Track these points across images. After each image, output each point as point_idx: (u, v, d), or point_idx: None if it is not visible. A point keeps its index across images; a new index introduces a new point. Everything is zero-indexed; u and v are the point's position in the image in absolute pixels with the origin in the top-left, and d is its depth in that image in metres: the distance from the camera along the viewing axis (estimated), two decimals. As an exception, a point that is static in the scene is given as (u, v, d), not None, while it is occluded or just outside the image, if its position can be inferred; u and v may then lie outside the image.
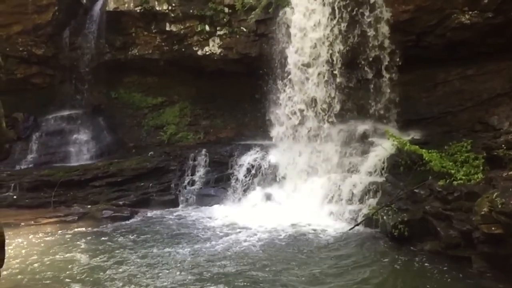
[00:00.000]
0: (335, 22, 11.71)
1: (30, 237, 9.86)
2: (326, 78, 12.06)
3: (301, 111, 12.50)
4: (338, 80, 12.02)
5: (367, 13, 11.47)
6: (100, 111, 16.39)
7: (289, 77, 12.69)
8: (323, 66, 12.11)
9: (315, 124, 12.15)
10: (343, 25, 11.70)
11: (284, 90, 12.87)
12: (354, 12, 11.50)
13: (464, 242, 7.78)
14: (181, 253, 8.53)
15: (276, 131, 13.20)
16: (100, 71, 15.67)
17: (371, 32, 11.60)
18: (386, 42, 11.59)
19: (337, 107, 12.01)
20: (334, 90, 12.01)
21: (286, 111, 12.72)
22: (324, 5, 11.64)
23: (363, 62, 11.83)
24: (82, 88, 16.01)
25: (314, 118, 12.16)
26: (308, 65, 12.28)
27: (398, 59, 11.66)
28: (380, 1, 11.32)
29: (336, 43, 11.79)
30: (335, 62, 11.93)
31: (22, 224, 10.85)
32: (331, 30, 11.73)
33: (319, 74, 12.10)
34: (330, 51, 11.87)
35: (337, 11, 11.62)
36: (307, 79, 12.29)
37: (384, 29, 11.45)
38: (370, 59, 11.64)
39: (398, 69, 11.67)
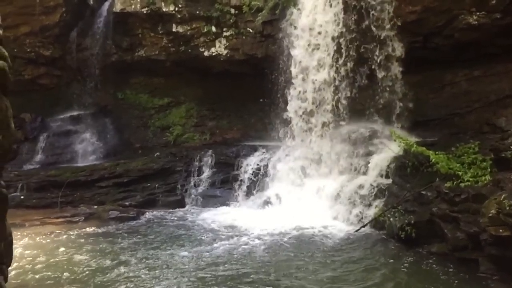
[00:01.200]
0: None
1: (36, 237, 9.89)
2: (333, 79, 12.01)
3: (308, 112, 12.45)
4: (345, 80, 11.98)
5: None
6: (106, 112, 16.46)
7: (295, 78, 12.66)
8: (330, 65, 12.07)
9: (322, 124, 12.10)
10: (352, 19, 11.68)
11: (290, 91, 12.83)
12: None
13: (471, 244, 7.71)
14: (185, 255, 8.48)
15: (282, 132, 13.18)
16: (107, 72, 15.75)
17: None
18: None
19: (344, 108, 11.97)
20: (341, 90, 11.96)
21: (293, 112, 12.66)
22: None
23: (371, 62, 11.78)
24: (89, 89, 16.09)
25: (321, 119, 12.11)
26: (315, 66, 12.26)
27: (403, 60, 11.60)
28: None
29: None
30: (343, 61, 11.90)
31: (29, 224, 10.86)
32: (338, 25, 11.72)
33: (326, 75, 12.06)
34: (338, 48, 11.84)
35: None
36: (315, 80, 12.25)
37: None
38: (379, 61, 11.58)
39: (405, 70, 11.60)
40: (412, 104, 11.79)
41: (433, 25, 11.34)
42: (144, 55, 15.84)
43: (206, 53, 14.98)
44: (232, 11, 14.33)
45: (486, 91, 11.43)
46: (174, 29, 15.11)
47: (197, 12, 14.64)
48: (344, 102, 11.90)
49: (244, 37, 14.49)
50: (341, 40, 11.69)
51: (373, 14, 11.44)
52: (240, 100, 15.37)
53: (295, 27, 12.47)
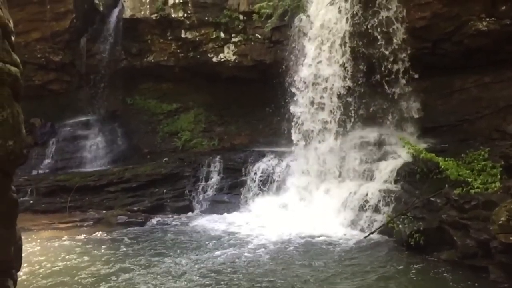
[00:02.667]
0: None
1: (45, 242, 9.95)
2: (342, 85, 11.97)
3: (316, 118, 12.40)
4: (353, 87, 11.94)
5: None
6: (115, 117, 16.56)
7: (303, 83, 12.63)
8: (339, 72, 12.04)
9: (331, 130, 12.07)
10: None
11: (299, 97, 12.80)
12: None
13: (481, 252, 7.64)
14: (189, 263, 8.43)
15: (290, 138, 13.13)
16: (116, 78, 15.85)
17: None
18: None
19: (353, 114, 11.93)
20: (350, 96, 11.93)
21: (301, 118, 12.62)
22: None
23: (380, 68, 11.73)
24: (98, 95, 16.20)
25: (330, 125, 12.07)
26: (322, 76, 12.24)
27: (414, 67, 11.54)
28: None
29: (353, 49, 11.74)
30: (352, 67, 11.86)
31: (38, 229, 10.95)
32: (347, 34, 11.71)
33: (334, 82, 12.03)
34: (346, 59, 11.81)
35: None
36: (323, 88, 12.22)
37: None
38: (387, 67, 11.53)
39: (414, 76, 11.54)
40: (421, 110, 11.72)
41: (442, 31, 11.29)
42: (153, 60, 15.94)
43: (214, 59, 15.04)
44: (241, 17, 14.37)
45: (496, 98, 11.35)
46: (183, 35, 15.19)
47: (206, 18, 14.70)
48: (352, 108, 11.85)
49: (252, 43, 14.52)
50: (350, 45, 11.63)
51: (381, 17, 11.38)
52: (249, 105, 15.38)
53: (304, 33, 12.48)
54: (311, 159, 12.21)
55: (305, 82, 12.31)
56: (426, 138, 11.57)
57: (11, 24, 3.33)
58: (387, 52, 11.38)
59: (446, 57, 11.69)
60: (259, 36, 14.25)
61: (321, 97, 12.12)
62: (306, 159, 12.30)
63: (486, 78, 11.69)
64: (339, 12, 11.56)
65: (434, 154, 9.78)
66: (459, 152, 9.94)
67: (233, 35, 14.72)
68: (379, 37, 11.30)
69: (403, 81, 11.60)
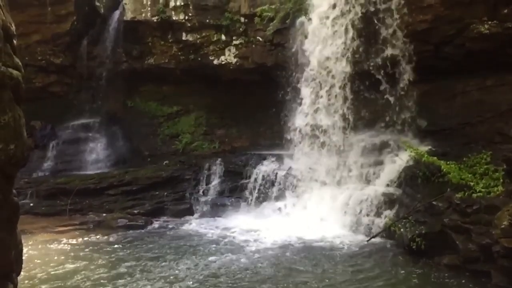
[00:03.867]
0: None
1: (44, 245, 9.92)
2: (343, 88, 11.95)
3: (318, 121, 12.38)
4: (355, 90, 11.92)
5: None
6: (116, 120, 16.53)
7: (304, 87, 12.62)
8: (339, 75, 12.03)
9: (332, 134, 12.05)
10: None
11: (300, 100, 12.79)
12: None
13: (483, 256, 7.61)
14: (189, 267, 8.37)
15: (291, 141, 13.11)
16: (117, 80, 15.83)
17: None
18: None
19: (354, 118, 11.91)
20: (351, 101, 11.91)
21: (302, 122, 12.60)
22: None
23: (381, 71, 11.72)
24: (98, 97, 16.18)
25: (331, 128, 12.05)
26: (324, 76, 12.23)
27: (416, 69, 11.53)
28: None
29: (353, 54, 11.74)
30: (353, 70, 11.84)
31: (38, 232, 10.90)
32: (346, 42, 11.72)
33: (335, 84, 12.02)
34: (347, 62, 11.82)
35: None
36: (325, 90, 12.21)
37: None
38: (388, 69, 11.51)
39: (416, 79, 11.53)
40: (423, 114, 11.69)
41: (444, 34, 11.27)
42: (154, 63, 15.93)
43: (215, 62, 15.03)
44: (242, 19, 14.36)
45: (498, 101, 11.30)
46: (184, 38, 15.19)
47: (207, 20, 14.70)
48: (354, 111, 11.83)
49: (253, 46, 14.51)
50: (351, 48, 11.63)
51: (382, 21, 11.37)
52: (249, 108, 15.36)
53: (306, 36, 12.47)
54: (312, 163, 12.18)
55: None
56: (428, 141, 11.52)
57: (13, 28, 3.31)
58: (389, 54, 11.36)
59: (448, 60, 11.67)
60: (260, 39, 14.23)
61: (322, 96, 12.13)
62: (307, 163, 12.26)
63: (488, 81, 11.65)
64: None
65: (436, 157, 9.75)
66: (461, 156, 9.91)
67: (234, 38, 14.71)
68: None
69: (405, 84, 11.58)
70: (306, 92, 12.45)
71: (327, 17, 12.08)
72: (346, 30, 11.76)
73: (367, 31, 11.59)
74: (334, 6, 11.97)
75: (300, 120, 12.46)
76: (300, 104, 12.58)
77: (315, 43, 12.27)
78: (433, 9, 10.97)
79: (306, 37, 12.40)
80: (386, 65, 11.49)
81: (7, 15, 3.35)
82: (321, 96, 12.12)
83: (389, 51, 11.39)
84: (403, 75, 11.56)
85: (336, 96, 11.88)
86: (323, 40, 12.08)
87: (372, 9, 11.47)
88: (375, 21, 11.44)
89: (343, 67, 11.81)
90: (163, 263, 8.63)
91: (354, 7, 11.65)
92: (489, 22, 10.64)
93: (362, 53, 11.66)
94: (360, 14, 11.55)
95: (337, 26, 11.98)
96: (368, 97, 12.01)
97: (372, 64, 11.56)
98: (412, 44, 11.25)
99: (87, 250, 9.65)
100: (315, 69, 12.27)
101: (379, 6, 11.39)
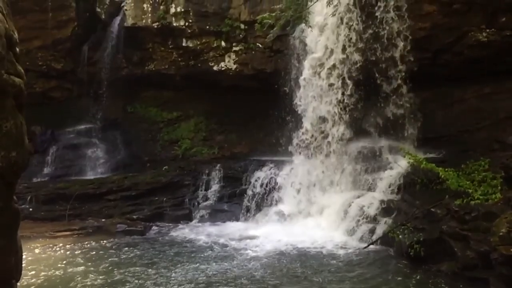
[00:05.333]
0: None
1: (43, 250, 9.92)
2: (342, 95, 12.00)
3: (317, 128, 12.42)
4: (353, 97, 11.97)
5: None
6: (116, 125, 16.56)
7: (303, 93, 12.66)
8: (338, 82, 12.08)
9: (331, 141, 12.08)
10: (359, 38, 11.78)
11: (299, 107, 12.83)
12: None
13: (481, 263, 7.62)
14: (184, 274, 8.34)
15: (290, 147, 13.15)
16: (117, 86, 15.86)
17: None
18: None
19: (353, 124, 11.95)
20: (350, 107, 11.95)
21: (301, 128, 12.64)
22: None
23: (379, 80, 11.77)
24: (99, 102, 16.22)
25: (330, 135, 12.09)
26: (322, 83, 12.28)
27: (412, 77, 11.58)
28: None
29: (352, 59, 11.80)
30: (352, 78, 11.89)
31: (37, 237, 10.88)
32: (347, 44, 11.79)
33: (335, 63, 12.09)
34: (345, 69, 11.88)
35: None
36: (323, 97, 12.26)
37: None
38: (386, 76, 11.56)
39: (414, 86, 11.58)
40: (421, 121, 11.74)
41: (443, 42, 11.35)
42: (154, 69, 15.98)
43: (215, 68, 15.08)
44: (242, 26, 14.42)
45: (496, 108, 11.38)
46: (184, 44, 15.24)
47: (207, 27, 14.75)
48: (352, 118, 11.88)
49: (253, 52, 14.56)
50: (350, 56, 11.69)
51: (382, 28, 11.45)
52: (249, 114, 15.40)
53: (305, 44, 12.55)
54: (311, 169, 12.20)
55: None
56: (426, 148, 11.58)
57: (16, 35, 3.34)
58: (387, 64, 11.43)
59: (446, 68, 11.74)
60: (260, 45, 14.29)
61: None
62: (306, 169, 12.29)
63: (486, 89, 11.73)
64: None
65: (434, 164, 9.79)
66: (459, 163, 9.95)
67: (234, 44, 14.76)
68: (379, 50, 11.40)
69: (404, 91, 11.63)
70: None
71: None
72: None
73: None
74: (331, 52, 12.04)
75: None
76: (299, 110, 12.62)
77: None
78: (431, 17, 11.06)
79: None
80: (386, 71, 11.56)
81: (10, 23, 3.39)
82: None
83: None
84: (401, 81, 11.63)
85: (336, 103, 11.91)
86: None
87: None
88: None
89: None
90: (158, 270, 8.60)
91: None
92: (487, 30, 10.73)
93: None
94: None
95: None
96: (367, 104, 12.05)
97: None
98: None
99: (85, 255, 9.65)
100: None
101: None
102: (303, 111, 12.72)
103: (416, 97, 11.63)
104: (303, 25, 11.59)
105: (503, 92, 11.40)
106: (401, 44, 11.50)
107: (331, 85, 12.14)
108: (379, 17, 11.45)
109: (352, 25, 11.70)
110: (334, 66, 12.07)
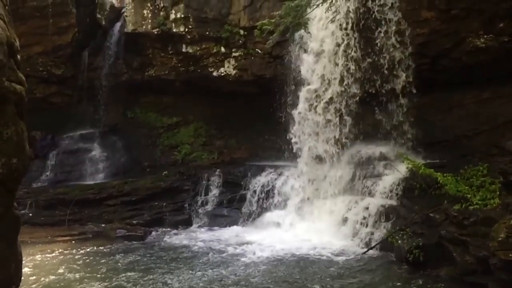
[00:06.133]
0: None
1: (43, 256, 9.92)
2: (340, 100, 12.03)
3: (316, 133, 12.45)
4: (352, 102, 12.00)
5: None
6: (116, 131, 16.60)
7: (302, 99, 12.69)
8: (336, 86, 12.10)
9: (330, 146, 12.11)
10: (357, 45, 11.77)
11: (298, 112, 12.85)
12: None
13: (480, 269, 7.64)
14: (182, 280, 8.32)
15: (290, 152, 13.17)
16: (117, 91, 15.92)
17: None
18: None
19: (352, 129, 11.98)
20: (349, 112, 11.98)
21: (300, 133, 12.66)
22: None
23: (377, 85, 11.80)
24: (99, 108, 16.27)
25: (329, 139, 12.12)
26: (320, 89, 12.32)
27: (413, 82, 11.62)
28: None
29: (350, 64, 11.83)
30: (349, 83, 11.93)
31: (36, 242, 10.89)
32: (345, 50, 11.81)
33: (332, 96, 12.09)
34: (344, 73, 11.90)
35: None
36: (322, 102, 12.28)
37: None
38: (385, 82, 11.59)
39: (413, 92, 11.63)
40: (420, 126, 11.77)
41: (441, 48, 11.40)
42: (154, 74, 16.04)
43: (215, 73, 15.14)
44: (241, 32, 14.49)
45: (495, 114, 11.41)
46: (184, 50, 15.30)
47: (207, 33, 14.82)
48: (351, 123, 11.90)
49: (252, 58, 14.63)
50: (348, 61, 11.71)
51: (378, 14, 11.47)
52: (248, 119, 15.45)
53: (305, 50, 12.59)
54: (310, 174, 12.22)
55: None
56: (425, 153, 11.60)
57: (17, 43, 3.39)
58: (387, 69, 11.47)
59: (445, 73, 11.77)
60: (259, 51, 14.36)
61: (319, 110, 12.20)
62: (305, 174, 12.31)
63: (484, 94, 11.77)
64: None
65: (433, 169, 9.81)
66: (458, 168, 9.97)
67: (233, 50, 14.83)
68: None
69: (402, 97, 11.67)
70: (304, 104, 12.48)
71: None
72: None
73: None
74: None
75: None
76: (299, 115, 12.65)
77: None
78: (429, 23, 11.11)
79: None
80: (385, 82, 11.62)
81: (11, 31, 3.44)
82: (320, 109, 12.16)
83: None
84: (400, 87, 11.66)
85: (334, 108, 11.94)
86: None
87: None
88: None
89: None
90: (155, 276, 8.59)
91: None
92: (485, 36, 10.77)
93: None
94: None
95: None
96: (365, 109, 12.08)
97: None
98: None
99: (84, 261, 9.65)
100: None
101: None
102: (298, 150, 12.50)
103: (414, 102, 11.64)
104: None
105: (501, 97, 11.44)
106: (403, 76, 11.43)
107: (328, 121, 12.00)
108: (379, 44, 11.41)
109: (350, 52, 11.57)
110: (331, 99, 11.88)
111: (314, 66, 12.29)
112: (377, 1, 11.25)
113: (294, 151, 12.56)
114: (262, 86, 14.40)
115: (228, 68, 14.95)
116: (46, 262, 9.51)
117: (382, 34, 11.36)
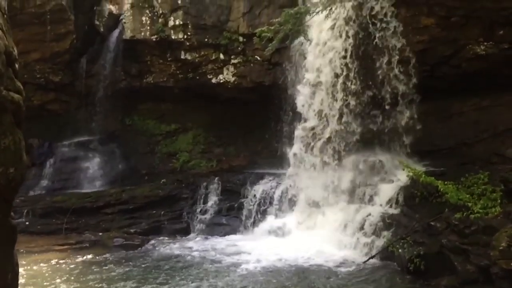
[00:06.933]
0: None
1: (39, 265, 9.81)
2: (340, 107, 11.97)
3: (316, 141, 12.38)
4: (352, 110, 11.96)
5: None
6: (114, 138, 16.52)
7: (301, 106, 12.65)
8: (337, 94, 12.06)
9: (329, 153, 12.05)
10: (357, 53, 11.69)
11: (297, 119, 12.82)
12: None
13: (482, 278, 7.61)
14: None
15: (289, 160, 13.11)
16: (115, 98, 15.86)
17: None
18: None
19: (352, 137, 11.93)
20: (349, 120, 11.93)
21: (300, 141, 12.61)
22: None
23: (378, 91, 11.77)
24: (97, 115, 16.20)
25: (329, 148, 12.06)
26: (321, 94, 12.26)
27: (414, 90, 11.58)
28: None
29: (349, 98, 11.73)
30: (350, 91, 11.88)
31: (33, 251, 10.78)
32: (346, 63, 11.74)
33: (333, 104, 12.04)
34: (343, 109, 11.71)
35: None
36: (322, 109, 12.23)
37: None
38: (386, 90, 11.55)
39: (413, 99, 11.60)
40: (420, 134, 11.74)
41: (441, 55, 11.38)
42: (152, 81, 15.99)
43: (214, 80, 15.10)
44: (240, 39, 14.48)
45: (495, 121, 11.38)
46: (182, 56, 15.27)
47: (206, 40, 14.80)
48: (351, 131, 11.85)
49: (252, 65, 14.61)
50: (348, 95, 11.52)
51: (380, 41, 11.45)
52: (247, 127, 15.41)
53: (304, 57, 12.57)
54: (309, 182, 12.15)
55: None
56: (425, 161, 11.56)
57: (15, 52, 3.34)
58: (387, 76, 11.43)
59: (444, 81, 11.76)
60: (259, 58, 14.35)
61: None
62: (304, 183, 12.24)
63: (484, 101, 11.75)
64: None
65: (433, 177, 9.75)
66: (458, 176, 9.91)
67: (232, 57, 14.81)
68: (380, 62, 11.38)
69: (402, 104, 11.63)
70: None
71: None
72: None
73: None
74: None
75: (297, 139, 12.45)
76: (298, 123, 12.60)
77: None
78: (429, 30, 11.07)
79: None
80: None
81: (9, 40, 3.39)
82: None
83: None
84: (400, 94, 11.62)
85: (333, 116, 11.87)
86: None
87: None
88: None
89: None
90: (152, 286, 8.51)
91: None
92: (485, 43, 10.76)
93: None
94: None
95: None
96: (365, 117, 12.04)
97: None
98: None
99: (80, 270, 9.54)
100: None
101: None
102: (293, 196, 12.22)
103: (414, 109, 11.61)
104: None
105: (501, 105, 11.41)
106: (407, 113, 11.31)
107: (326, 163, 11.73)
108: (380, 76, 11.24)
109: (350, 86, 11.39)
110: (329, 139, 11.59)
111: (310, 100, 12.01)
112: (378, 25, 11.03)
113: (289, 197, 12.22)
114: (261, 93, 14.37)
115: (227, 75, 14.93)
116: (42, 272, 9.40)
117: (384, 65, 11.15)
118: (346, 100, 11.38)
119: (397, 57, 11.10)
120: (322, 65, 11.62)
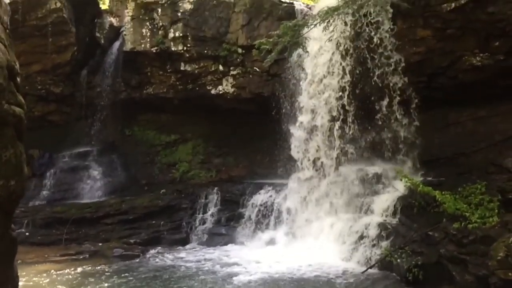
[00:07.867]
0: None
1: (38, 275, 9.82)
2: (338, 118, 12.05)
3: (314, 151, 12.46)
4: (350, 119, 12.03)
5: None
6: (114, 148, 16.58)
7: (300, 117, 12.73)
8: (334, 104, 12.14)
9: (327, 163, 12.11)
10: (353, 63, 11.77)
11: (296, 130, 12.89)
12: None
13: (480, 288, 7.62)
14: None
15: (288, 170, 13.17)
16: (116, 109, 15.96)
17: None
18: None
19: (350, 147, 11.99)
20: (347, 130, 12.01)
21: (298, 151, 12.67)
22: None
23: (375, 103, 11.85)
24: (97, 126, 16.27)
25: (327, 158, 12.12)
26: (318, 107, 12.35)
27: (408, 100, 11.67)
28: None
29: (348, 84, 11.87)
30: (348, 101, 11.96)
31: (33, 262, 10.79)
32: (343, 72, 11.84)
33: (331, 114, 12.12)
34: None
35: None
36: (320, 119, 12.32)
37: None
38: (384, 101, 11.62)
39: (411, 109, 11.69)
40: (418, 144, 11.81)
41: (437, 66, 11.48)
42: (152, 92, 16.08)
43: (213, 91, 15.18)
44: (240, 50, 14.57)
45: (491, 131, 11.45)
46: (182, 68, 15.37)
47: (205, 51, 14.91)
48: (349, 141, 11.92)
49: (250, 76, 14.69)
50: (346, 81, 11.74)
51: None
52: (247, 137, 15.46)
53: (303, 68, 12.68)
54: (308, 193, 12.20)
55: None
56: (422, 171, 11.61)
57: (17, 66, 3.42)
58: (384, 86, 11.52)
59: (441, 91, 11.85)
60: (257, 69, 14.43)
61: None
62: (303, 193, 12.29)
63: (481, 112, 11.82)
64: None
65: (431, 187, 9.80)
66: (456, 186, 9.96)
67: (231, 68, 14.90)
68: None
69: (399, 114, 11.71)
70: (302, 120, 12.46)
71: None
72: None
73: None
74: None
75: (296, 149, 12.51)
76: (296, 133, 12.68)
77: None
78: (425, 41, 11.19)
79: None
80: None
81: (11, 54, 3.47)
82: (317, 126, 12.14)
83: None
84: (397, 104, 11.72)
85: (331, 126, 11.95)
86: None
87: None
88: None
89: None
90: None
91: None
92: (481, 55, 10.85)
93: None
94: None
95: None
96: (363, 127, 12.12)
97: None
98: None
99: (79, 281, 9.55)
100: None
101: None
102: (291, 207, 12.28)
103: (411, 120, 11.69)
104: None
105: (498, 115, 11.49)
106: (408, 162, 11.46)
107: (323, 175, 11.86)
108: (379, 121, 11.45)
109: (348, 132, 11.65)
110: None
111: (305, 145, 12.22)
112: (377, 60, 11.11)
113: (288, 207, 12.34)
114: (260, 104, 14.45)
115: (226, 86, 15.01)
116: (42, 283, 9.41)
117: (384, 108, 11.32)
118: (344, 148, 11.69)
119: (398, 98, 11.27)
120: (318, 107, 11.85)
